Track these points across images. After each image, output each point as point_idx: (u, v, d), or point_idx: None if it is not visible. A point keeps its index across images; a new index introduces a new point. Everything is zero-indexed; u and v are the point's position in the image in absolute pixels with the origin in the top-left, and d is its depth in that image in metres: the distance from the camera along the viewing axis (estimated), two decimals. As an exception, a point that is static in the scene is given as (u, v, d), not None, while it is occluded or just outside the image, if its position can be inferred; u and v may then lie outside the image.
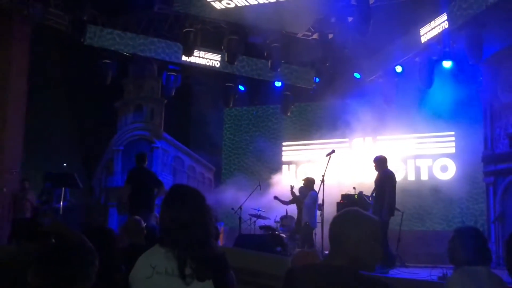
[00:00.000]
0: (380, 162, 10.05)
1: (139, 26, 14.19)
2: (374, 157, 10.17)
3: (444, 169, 14.51)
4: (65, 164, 16.18)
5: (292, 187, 12.21)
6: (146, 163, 10.29)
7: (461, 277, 3.51)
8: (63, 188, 12.39)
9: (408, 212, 13.03)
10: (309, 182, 11.70)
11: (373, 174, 14.63)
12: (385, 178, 9.81)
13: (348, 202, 11.23)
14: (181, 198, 2.97)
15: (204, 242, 2.85)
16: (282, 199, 12.50)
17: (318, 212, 10.72)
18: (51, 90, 16.29)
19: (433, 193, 14.12)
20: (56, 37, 14.35)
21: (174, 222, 2.87)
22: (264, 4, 11.75)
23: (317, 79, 15.46)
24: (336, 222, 2.58)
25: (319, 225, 10.54)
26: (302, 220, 11.47)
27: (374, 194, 10.41)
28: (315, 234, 11.14)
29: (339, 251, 2.50)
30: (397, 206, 11.68)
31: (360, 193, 11.89)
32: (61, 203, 12.27)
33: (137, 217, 6.01)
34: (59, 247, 2.32)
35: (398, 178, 14.34)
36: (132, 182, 9.73)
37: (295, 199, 12.13)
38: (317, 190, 10.55)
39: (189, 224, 2.84)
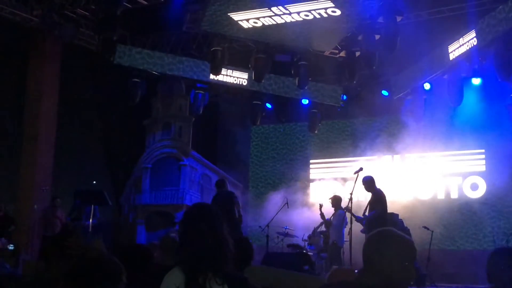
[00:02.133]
0: (371, 183, 10.07)
1: (167, 45, 14.36)
2: (363, 177, 10.15)
3: (474, 187, 14.28)
4: (94, 182, 16.36)
5: (321, 206, 12.11)
6: (226, 188, 10.77)
7: None
8: (92, 206, 12.50)
9: (438, 231, 12.85)
10: (336, 201, 11.63)
11: (403, 193, 14.53)
12: (379, 198, 9.82)
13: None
14: (194, 217, 3.01)
15: (217, 260, 2.84)
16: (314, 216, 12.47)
17: (346, 230, 10.64)
18: (81, 109, 16.57)
19: (463, 212, 13.91)
20: (86, 57, 14.63)
21: (186, 240, 2.92)
22: (291, 23, 11.78)
23: (345, 97, 15.41)
24: (370, 241, 2.60)
25: (346, 243, 10.47)
26: (329, 238, 11.40)
27: (366, 214, 10.34)
28: (343, 252, 11.04)
29: (372, 269, 2.51)
30: (426, 225, 11.55)
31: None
32: (91, 220, 12.36)
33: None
34: (87, 264, 2.35)
35: (427, 196, 14.37)
36: None
37: (323, 221, 12.05)
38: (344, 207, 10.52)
39: (199, 241, 2.87)
